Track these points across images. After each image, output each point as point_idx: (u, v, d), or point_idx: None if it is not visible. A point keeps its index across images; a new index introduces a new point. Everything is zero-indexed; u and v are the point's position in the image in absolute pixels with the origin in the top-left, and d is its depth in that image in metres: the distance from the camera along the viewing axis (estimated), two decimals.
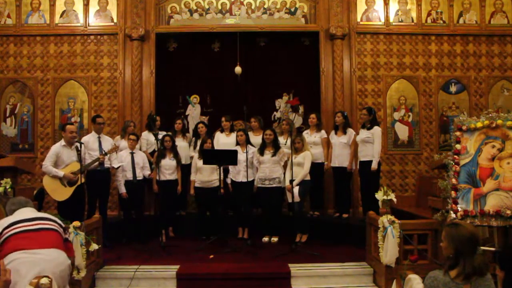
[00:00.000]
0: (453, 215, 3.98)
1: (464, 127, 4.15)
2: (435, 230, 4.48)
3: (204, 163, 5.88)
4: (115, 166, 5.95)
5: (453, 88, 7.54)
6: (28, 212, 3.23)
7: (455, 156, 4.13)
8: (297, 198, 5.75)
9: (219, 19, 7.52)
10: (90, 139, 5.91)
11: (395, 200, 4.62)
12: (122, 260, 5.14)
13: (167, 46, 7.74)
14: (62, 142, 5.48)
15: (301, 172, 5.80)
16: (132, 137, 6.13)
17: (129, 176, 6.03)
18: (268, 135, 6.02)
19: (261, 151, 6.03)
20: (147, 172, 6.19)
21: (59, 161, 5.39)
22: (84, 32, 7.39)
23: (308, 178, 5.90)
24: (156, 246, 5.65)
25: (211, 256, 5.26)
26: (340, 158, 6.30)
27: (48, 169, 5.34)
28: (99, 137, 5.95)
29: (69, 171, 5.37)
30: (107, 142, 6.00)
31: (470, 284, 2.29)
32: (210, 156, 5.90)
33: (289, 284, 4.66)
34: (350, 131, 6.35)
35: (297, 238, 5.91)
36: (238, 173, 6.14)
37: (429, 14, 7.55)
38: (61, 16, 7.42)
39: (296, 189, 5.73)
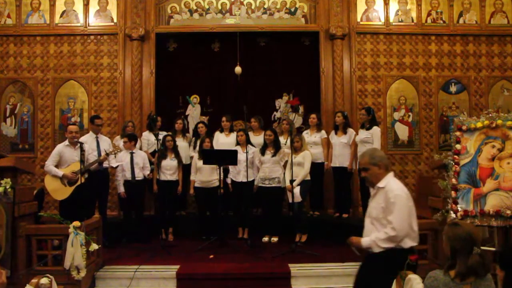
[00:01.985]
0: (453, 215, 3.98)
1: (464, 127, 4.15)
2: (435, 230, 4.48)
3: (204, 163, 5.88)
4: (114, 166, 5.95)
5: (453, 88, 7.54)
6: None
7: (455, 156, 4.13)
8: (298, 198, 5.75)
9: (219, 19, 7.52)
10: (88, 139, 5.91)
11: None
12: (122, 260, 5.14)
13: (167, 46, 7.73)
14: (66, 142, 5.55)
15: (302, 172, 5.81)
16: (124, 139, 6.13)
17: (128, 176, 6.03)
18: (268, 136, 6.04)
19: (263, 151, 6.05)
20: (147, 172, 6.18)
21: (61, 161, 5.45)
22: (84, 32, 7.39)
23: (308, 178, 5.90)
24: (156, 246, 5.65)
25: (211, 256, 5.27)
26: (341, 158, 6.30)
27: (48, 169, 5.39)
28: (97, 137, 5.96)
29: (70, 171, 5.38)
30: (105, 142, 6.01)
31: (470, 284, 2.29)
32: (210, 156, 5.90)
33: (289, 284, 4.66)
34: (351, 131, 6.35)
35: (297, 238, 5.90)
36: (238, 173, 6.15)
37: (429, 14, 7.55)
38: (61, 16, 7.42)
39: (297, 189, 5.73)
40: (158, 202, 6.37)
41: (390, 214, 2.97)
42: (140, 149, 6.44)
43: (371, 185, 3.19)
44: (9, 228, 4.28)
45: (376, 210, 3.09)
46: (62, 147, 5.50)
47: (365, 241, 3.09)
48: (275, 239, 6.06)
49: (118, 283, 4.71)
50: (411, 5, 7.54)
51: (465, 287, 2.29)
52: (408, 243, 3.00)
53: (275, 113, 7.76)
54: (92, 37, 7.42)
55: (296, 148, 5.90)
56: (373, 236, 3.03)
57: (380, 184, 3.09)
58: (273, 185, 5.97)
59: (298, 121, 7.69)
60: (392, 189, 3.02)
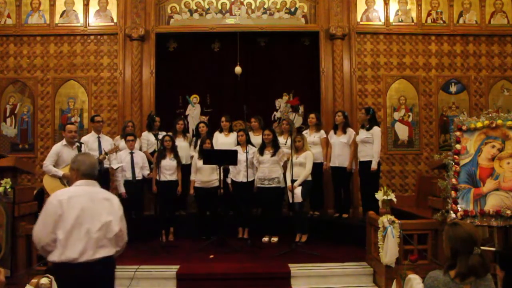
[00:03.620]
0: (453, 215, 3.98)
1: (464, 127, 4.16)
2: (435, 230, 4.48)
3: (204, 163, 5.88)
4: (114, 167, 5.94)
5: (453, 88, 7.54)
6: None
7: (455, 156, 4.13)
8: (299, 199, 5.75)
9: (219, 19, 7.52)
10: (89, 139, 5.92)
11: (395, 200, 4.62)
12: (122, 260, 5.11)
13: (167, 46, 7.73)
14: (64, 141, 5.51)
15: (304, 173, 5.80)
16: (129, 137, 6.12)
17: (129, 176, 6.03)
18: (267, 135, 6.02)
19: (261, 151, 6.03)
20: (147, 172, 6.18)
21: (59, 161, 5.40)
22: (84, 32, 7.39)
23: (309, 178, 5.90)
24: (156, 246, 5.65)
25: (211, 256, 5.26)
26: (340, 158, 6.28)
27: (48, 169, 5.36)
28: (98, 137, 5.96)
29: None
30: (107, 142, 6.01)
31: (470, 285, 2.28)
32: (210, 156, 5.90)
33: (289, 284, 4.66)
34: (350, 131, 6.34)
35: (297, 238, 5.91)
36: (238, 173, 6.14)
37: (429, 14, 7.55)
38: (61, 16, 7.42)
39: (298, 190, 5.73)
40: (158, 202, 6.37)
41: None
42: (140, 149, 6.44)
43: None
44: (9, 228, 4.28)
45: None
46: (59, 147, 5.46)
47: None
48: (275, 239, 6.06)
49: (118, 283, 4.65)
50: (411, 5, 7.54)
51: (465, 287, 2.29)
52: (53, 256, 2.65)
53: (275, 113, 7.76)
54: (92, 37, 7.43)
55: (297, 148, 5.89)
56: None
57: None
58: (273, 185, 5.96)
59: (298, 121, 7.68)
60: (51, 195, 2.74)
